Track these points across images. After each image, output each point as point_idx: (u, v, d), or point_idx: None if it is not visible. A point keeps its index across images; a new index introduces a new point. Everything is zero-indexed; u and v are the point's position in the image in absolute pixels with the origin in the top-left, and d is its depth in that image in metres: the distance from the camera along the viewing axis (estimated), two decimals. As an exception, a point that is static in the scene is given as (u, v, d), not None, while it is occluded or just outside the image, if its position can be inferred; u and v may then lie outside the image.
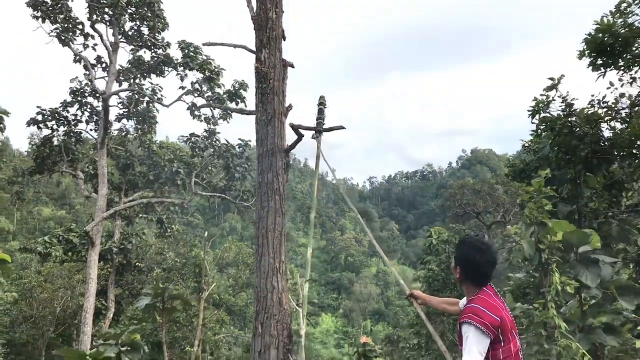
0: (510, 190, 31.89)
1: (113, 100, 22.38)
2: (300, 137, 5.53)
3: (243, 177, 23.09)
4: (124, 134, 25.63)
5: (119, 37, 21.84)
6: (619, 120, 8.89)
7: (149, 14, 21.39)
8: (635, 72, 9.35)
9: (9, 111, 13.49)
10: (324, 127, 5.68)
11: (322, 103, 5.78)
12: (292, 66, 5.95)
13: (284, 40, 5.92)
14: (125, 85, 22.52)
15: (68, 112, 22.49)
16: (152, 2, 21.24)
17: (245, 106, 22.03)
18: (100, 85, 21.91)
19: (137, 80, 22.43)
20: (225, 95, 21.25)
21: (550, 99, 8.87)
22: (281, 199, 5.49)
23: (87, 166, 24.77)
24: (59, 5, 20.54)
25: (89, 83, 22.22)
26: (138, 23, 21.89)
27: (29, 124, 21.68)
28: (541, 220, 5.84)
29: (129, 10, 21.51)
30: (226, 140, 23.14)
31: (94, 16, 21.07)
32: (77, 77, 22.74)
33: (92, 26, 21.31)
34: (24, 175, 23.86)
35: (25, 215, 68.43)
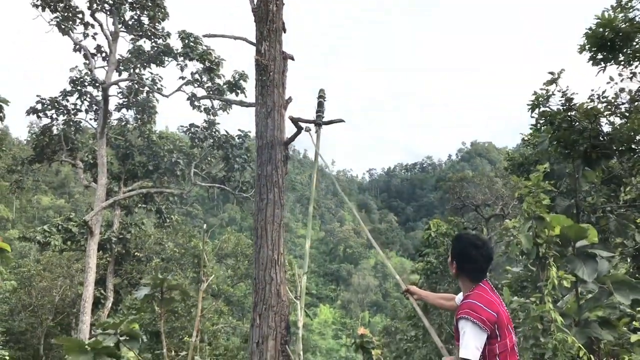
0: (509, 183, 31.94)
1: (113, 90, 22.37)
2: (299, 129, 5.54)
3: (242, 168, 23.09)
4: (123, 123, 25.63)
5: (119, 26, 21.79)
6: (619, 115, 8.89)
7: (149, 4, 21.34)
8: (636, 67, 9.34)
9: (8, 100, 13.45)
10: (324, 120, 5.69)
11: (321, 96, 5.79)
12: (292, 59, 5.95)
13: (284, 32, 5.91)
14: (125, 75, 22.49)
15: (68, 101, 22.53)
16: (153, -8, 21.19)
17: (245, 97, 22.03)
18: (100, 74, 21.93)
19: (137, 70, 22.41)
20: (225, 86, 21.24)
21: (550, 93, 8.86)
22: (280, 192, 5.51)
23: (86, 155, 24.79)
24: (59, -7, 20.49)
25: (89, 72, 22.21)
26: (138, 12, 21.84)
27: (28, 112, 21.69)
28: (539, 215, 5.86)
29: (129, 0, 21.45)
30: (226, 131, 23.16)
31: (94, 5, 21.02)
32: (77, 67, 22.76)
33: (92, 15, 21.26)
34: (24, 164, 23.87)
35: (24, 204, 68.50)
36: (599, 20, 9.19)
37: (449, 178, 41.40)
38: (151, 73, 22.76)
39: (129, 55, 22.10)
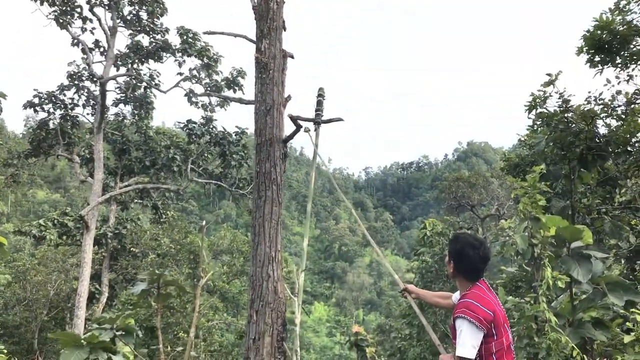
0: (505, 183, 32.05)
1: (110, 85, 22.31)
2: (298, 128, 5.58)
3: (239, 165, 23.07)
4: (120, 118, 25.58)
5: (118, 21, 21.74)
6: (615, 117, 8.94)
7: (148, -1, 21.31)
8: (632, 69, 9.40)
9: (5, 94, 13.44)
10: (323, 118, 5.72)
11: (321, 95, 5.82)
12: (292, 57, 5.98)
13: (284, 31, 5.94)
14: (122, 70, 22.44)
15: (65, 95, 22.46)
16: (152, -13, 21.16)
17: (243, 94, 22.05)
18: (98, 69, 21.86)
19: (134, 66, 22.35)
20: (223, 83, 21.25)
21: (547, 94, 8.90)
22: (278, 189, 5.54)
23: (83, 150, 24.72)
24: (57, -13, 20.43)
25: (87, 67, 22.15)
26: (137, 8, 21.79)
27: (25, 106, 21.63)
28: (535, 215, 5.91)
29: (128, -6, 21.44)
30: (223, 128, 23.13)
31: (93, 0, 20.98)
32: (74, 61, 22.69)
33: (91, 10, 21.19)
34: (20, 157, 23.81)
35: (19, 198, 68.29)
36: (596, 23, 9.23)
37: (445, 177, 41.54)
38: (149, 69, 22.73)
39: (127, 51, 22.05)
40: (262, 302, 5.19)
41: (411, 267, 22.72)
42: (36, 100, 21.73)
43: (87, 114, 23.15)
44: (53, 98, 22.06)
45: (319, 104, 5.77)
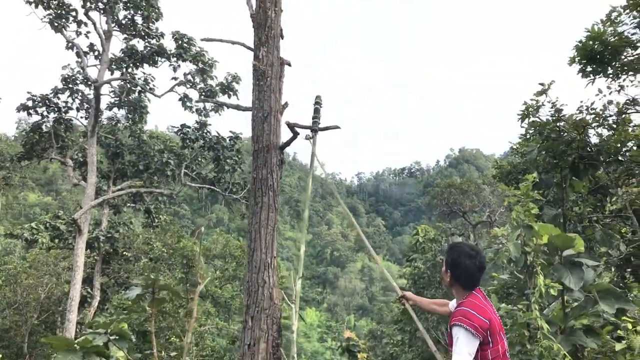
0: (497, 190, 32.24)
1: (105, 89, 22.31)
2: (295, 135, 5.62)
3: (233, 170, 23.11)
4: (114, 122, 25.56)
5: (113, 25, 21.75)
6: (606, 127, 9.06)
7: (143, 3, 21.33)
8: (623, 80, 9.54)
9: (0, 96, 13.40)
10: (319, 126, 5.77)
11: (318, 103, 5.88)
12: (290, 65, 6.04)
13: (282, 39, 6.00)
14: (117, 74, 22.45)
15: (59, 99, 22.40)
16: (147, -8, 21.19)
17: (238, 99, 22.12)
18: (93, 73, 21.86)
19: (129, 70, 22.37)
20: (217, 88, 21.31)
21: (540, 104, 9.01)
22: (275, 195, 5.57)
23: (76, 153, 24.67)
24: (53, -10, 20.43)
25: (81, 71, 22.13)
26: (132, 12, 21.81)
27: (19, 109, 21.57)
28: (528, 224, 5.98)
29: (123, -1, 21.46)
30: (217, 132, 23.18)
31: (88, 3, 20.97)
32: (69, 65, 22.65)
33: (86, 13, 21.20)
34: (12, 160, 23.74)
35: (10, 201, 67.81)
36: (588, 34, 9.37)
37: (437, 184, 41.70)
38: (144, 73, 22.77)
39: (122, 55, 22.07)
40: (257, 308, 5.22)
41: (403, 273, 22.74)
42: (30, 103, 21.68)
43: (81, 117, 23.15)
44: (47, 101, 22.02)
45: (316, 111, 5.82)
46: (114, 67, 22.10)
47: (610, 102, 9.12)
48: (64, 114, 22.58)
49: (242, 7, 6.31)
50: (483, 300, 3.49)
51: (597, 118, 8.85)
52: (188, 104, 21.68)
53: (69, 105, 22.63)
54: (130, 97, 23.52)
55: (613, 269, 9.18)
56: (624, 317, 5.77)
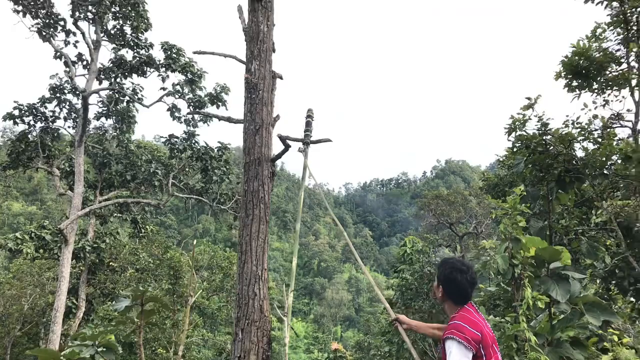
0: (483, 202, 32.47)
1: (93, 99, 22.22)
2: (287, 147, 5.66)
3: (221, 180, 23.04)
4: (101, 132, 25.45)
5: (102, 35, 21.72)
6: (592, 141, 9.19)
7: (133, 14, 21.32)
8: (608, 95, 9.72)
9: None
10: (311, 139, 5.82)
11: (309, 116, 5.93)
12: (281, 78, 6.09)
13: (274, 52, 6.06)
14: (105, 83, 22.39)
15: (46, 108, 22.27)
16: (137, 2, 21.17)
17: (227, 110, 22.13)
18: (81, 82, 21.78)
19: (118, 80, 22.31)
20: (206, 98, 21.30)
21: (527, 117, 9.13)
22: (266, 208, 5.60)
23: (63, 163, 24.50)
24: (41, 0, 20.37)
25: (69, 80, 22.04)
26: (121, 22, 21.79)
27: (5, 118, 21.39)
28: (515, 236, 6.06)
29: (113, 9, 21.41)
30: (205, 143, 23.13)
31: (77, 13, 20.93)
32: (57, 74, 22.57)
33: (75, 23, 21.15)
34: (-3, 169, 23.52)
35: (-6, 210, 67.11)
36: (574, 49, 9.54)
37: (424, 195, 41.89)
38: (132, 83, 22.71)
39: (111, 65, 22.02)
40: (247, 320, 5.22)
41: (391, 284, 22.77)
42: (16, 112, 21.53)
43: (68, 127, 23.01)
44: (34, 110, 21.88)
45: (308, 124, 5.88)
46: (102, 77, 22.03)
47: (595, 117, 9.27)
48: (51, 123, 22.44)
49: (233, 20, 6.36)
50: (475, 314, 3.54)
51: (582, 132, 8.98)
52: (176, 114, 21.65)
53: (57, 114, 22.52)
54: (118, 107, 23.46)
55: (598, 281, 9.30)
56: (609, 329, 5.85)
